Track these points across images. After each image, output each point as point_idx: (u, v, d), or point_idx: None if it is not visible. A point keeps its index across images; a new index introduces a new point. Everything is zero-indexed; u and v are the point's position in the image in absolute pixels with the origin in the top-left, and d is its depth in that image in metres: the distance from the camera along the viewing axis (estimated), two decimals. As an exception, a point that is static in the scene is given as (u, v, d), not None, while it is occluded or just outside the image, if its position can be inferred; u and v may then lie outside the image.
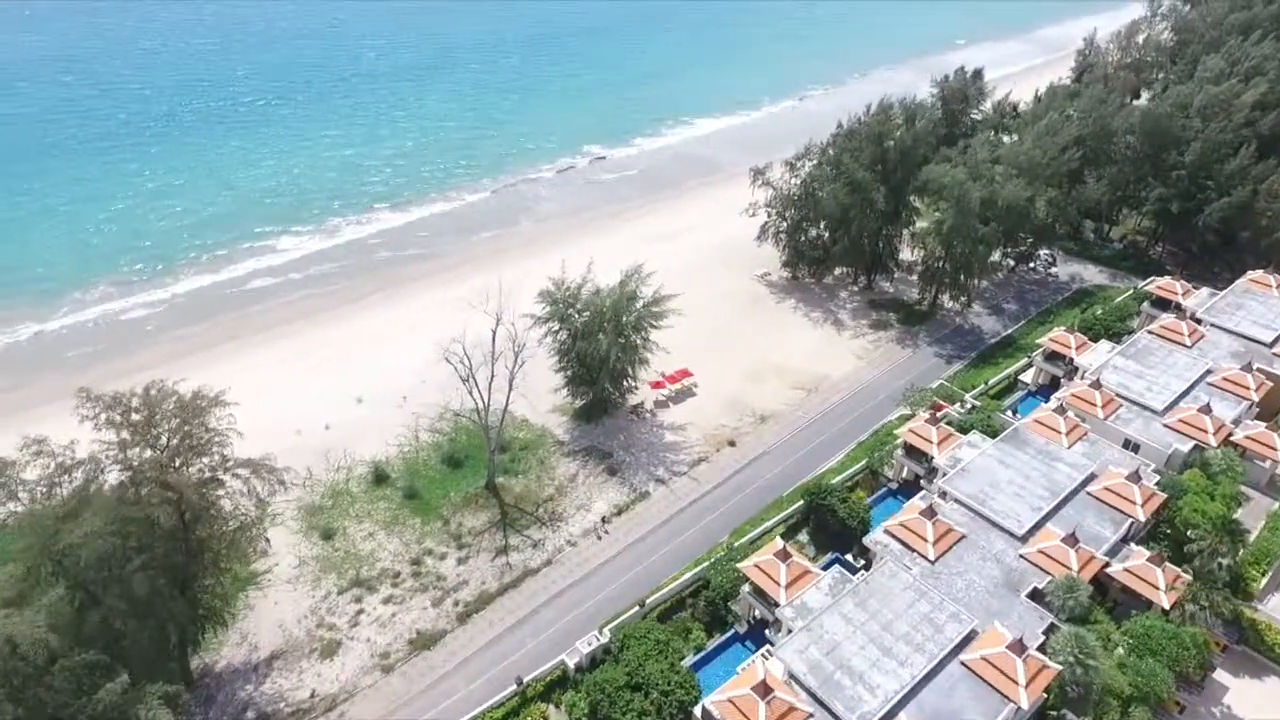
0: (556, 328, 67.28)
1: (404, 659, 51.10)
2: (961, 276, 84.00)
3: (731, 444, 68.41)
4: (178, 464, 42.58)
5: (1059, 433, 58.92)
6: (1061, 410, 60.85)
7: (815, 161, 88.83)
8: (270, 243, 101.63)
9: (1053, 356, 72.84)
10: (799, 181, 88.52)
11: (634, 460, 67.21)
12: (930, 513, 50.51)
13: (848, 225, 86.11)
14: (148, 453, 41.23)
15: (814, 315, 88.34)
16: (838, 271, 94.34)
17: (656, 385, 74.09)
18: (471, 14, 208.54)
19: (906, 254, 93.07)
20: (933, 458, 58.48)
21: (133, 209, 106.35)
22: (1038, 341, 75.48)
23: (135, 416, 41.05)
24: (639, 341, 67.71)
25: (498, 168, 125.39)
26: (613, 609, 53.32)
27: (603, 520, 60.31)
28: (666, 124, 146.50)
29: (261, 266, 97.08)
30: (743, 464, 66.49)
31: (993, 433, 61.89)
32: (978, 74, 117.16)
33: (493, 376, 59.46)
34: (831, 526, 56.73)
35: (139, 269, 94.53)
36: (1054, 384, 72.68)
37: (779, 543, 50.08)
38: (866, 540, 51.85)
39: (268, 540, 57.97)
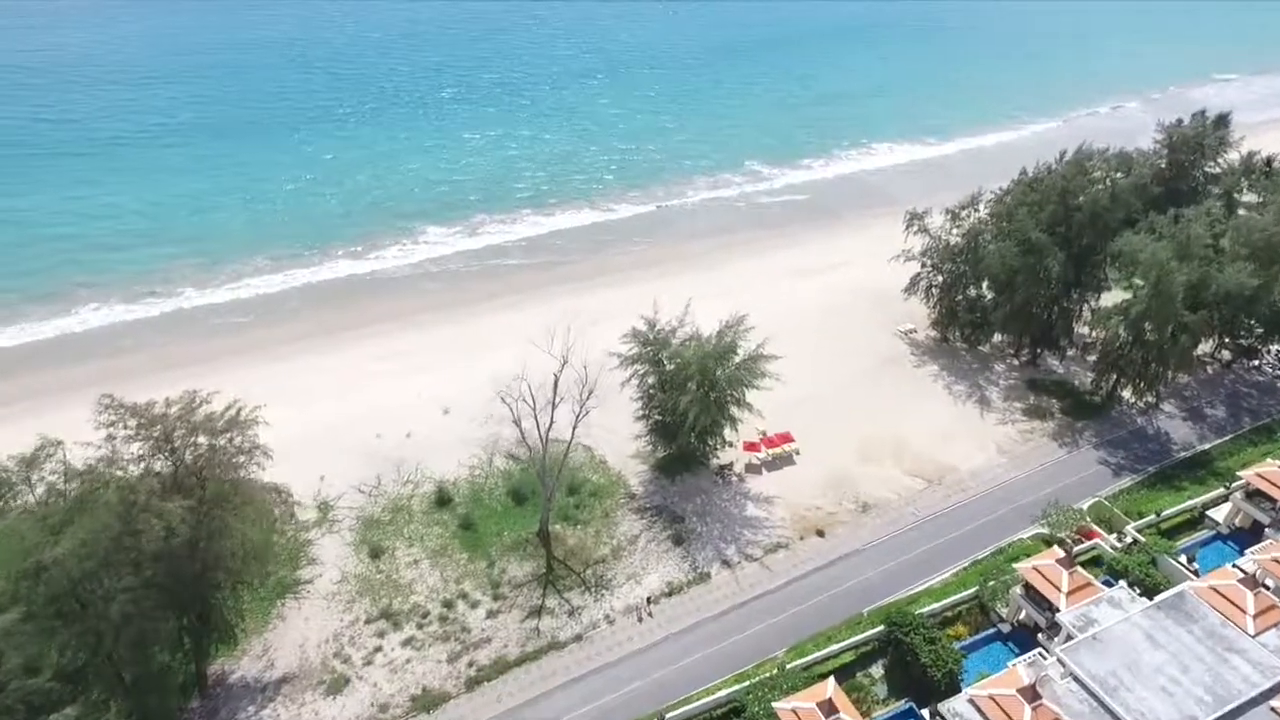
0: (643, 370, 61.33)
1: (399, 718, 47.65)
2: (1153, 367, 68.79)
3: (820, 534, 59.39)
4: (195, 480, 40.99)
5: (1244, 611, 45.09)
6: (1254, 582, 46.65)
7: (984, 211, 76.45)
8: (415, 237, 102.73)
9: (1259, 495, 57.16)
10: (961, 232, 76.51)
11: (705, 531, 60.05)
12: (1033, 694, 39.62)
13: (1014, 290, 73.23)
14: (159, 467, 39.69)
15: (957, 388, 76.19)
16: (996, 339, 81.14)
17: (751, 447, 66.27)
18: (666, 20, 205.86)
19: (1085, 329, 78.39)
20: (1057, 609, 46.82)
21: (305, 190, 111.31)
22: (1240, 473, 59.78)
23: (154, 430, 39.62)
24: (732, 399, 60.27)
25: (652, 179, 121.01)
26: (627, 713, 46.92)
27: (649, 600, 53.86)
28: (842, 147, 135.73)
29: (402, 260, 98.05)
30: (827, 560, 57.34)
31: (1149, 589, 48.89)
32: (1221, 120, 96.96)
33: (551, 423, 54.54)
34: (912, 668, 46.91)
35: (295, 249, 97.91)
36: (1255, 532, 57.05)
37: (829, 686, 41.42)
38: (944, 708, 41.78)
39: (312, 559, 57.73)
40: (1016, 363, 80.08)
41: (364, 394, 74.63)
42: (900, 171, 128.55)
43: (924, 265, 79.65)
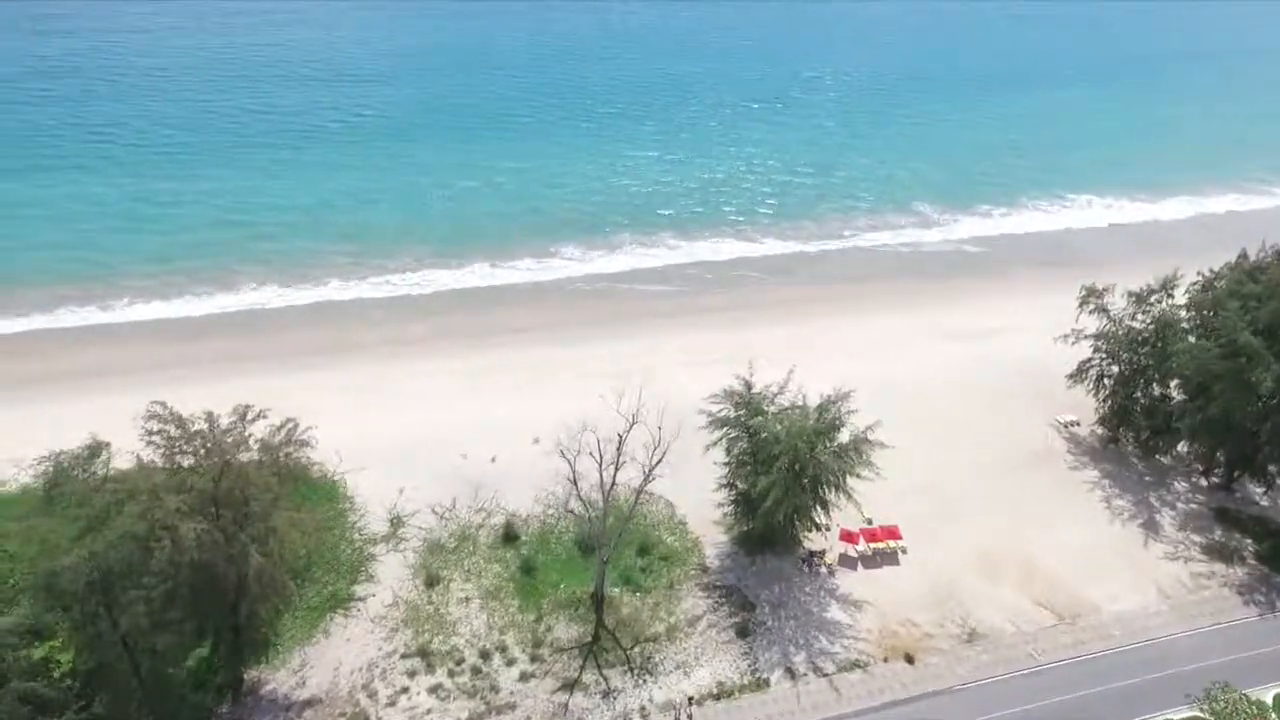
0: (734, 434, 55.39)
1: (401, 776, 45.07)
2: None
3: (909, 659, 50.75)
4: (228, 499, 40.23)
5: None
6: None
7: (1181, 298, 63.46)
8: (554, 251, 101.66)
9: None
10: (1149, 319, 63.87)
11: (776, 627, 53.14)
12: None
13: (1209, 396, 59.96)
14: (194, 482, 39.06)
15: (1119, 504, 63.70)
16: (1181, 448, 67.32)
17: (848, 537, 58.33)
18: (871, 48, 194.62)
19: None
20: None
21: (464, 194, 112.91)
22: None
23: (201, 447, 39.06)
24: (830, 483, 52.98)
25: (807, 214, 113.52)
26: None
27: (691, 701, 47.93)
28: (1031, 196, 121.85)
29: (534, 274, 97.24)
30: (910, 694, 48.70)
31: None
32: None
33: (613, 484, 49.88)
34: None
35: (440, 251, 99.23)
36: None
37: None
38: None
39: (371, 575, 56.86)
40: (1204, 483, 66.01)
41: (462, 408, 73.80)
42: (1098, 232, 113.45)
43: (1097, 350, 67.52)
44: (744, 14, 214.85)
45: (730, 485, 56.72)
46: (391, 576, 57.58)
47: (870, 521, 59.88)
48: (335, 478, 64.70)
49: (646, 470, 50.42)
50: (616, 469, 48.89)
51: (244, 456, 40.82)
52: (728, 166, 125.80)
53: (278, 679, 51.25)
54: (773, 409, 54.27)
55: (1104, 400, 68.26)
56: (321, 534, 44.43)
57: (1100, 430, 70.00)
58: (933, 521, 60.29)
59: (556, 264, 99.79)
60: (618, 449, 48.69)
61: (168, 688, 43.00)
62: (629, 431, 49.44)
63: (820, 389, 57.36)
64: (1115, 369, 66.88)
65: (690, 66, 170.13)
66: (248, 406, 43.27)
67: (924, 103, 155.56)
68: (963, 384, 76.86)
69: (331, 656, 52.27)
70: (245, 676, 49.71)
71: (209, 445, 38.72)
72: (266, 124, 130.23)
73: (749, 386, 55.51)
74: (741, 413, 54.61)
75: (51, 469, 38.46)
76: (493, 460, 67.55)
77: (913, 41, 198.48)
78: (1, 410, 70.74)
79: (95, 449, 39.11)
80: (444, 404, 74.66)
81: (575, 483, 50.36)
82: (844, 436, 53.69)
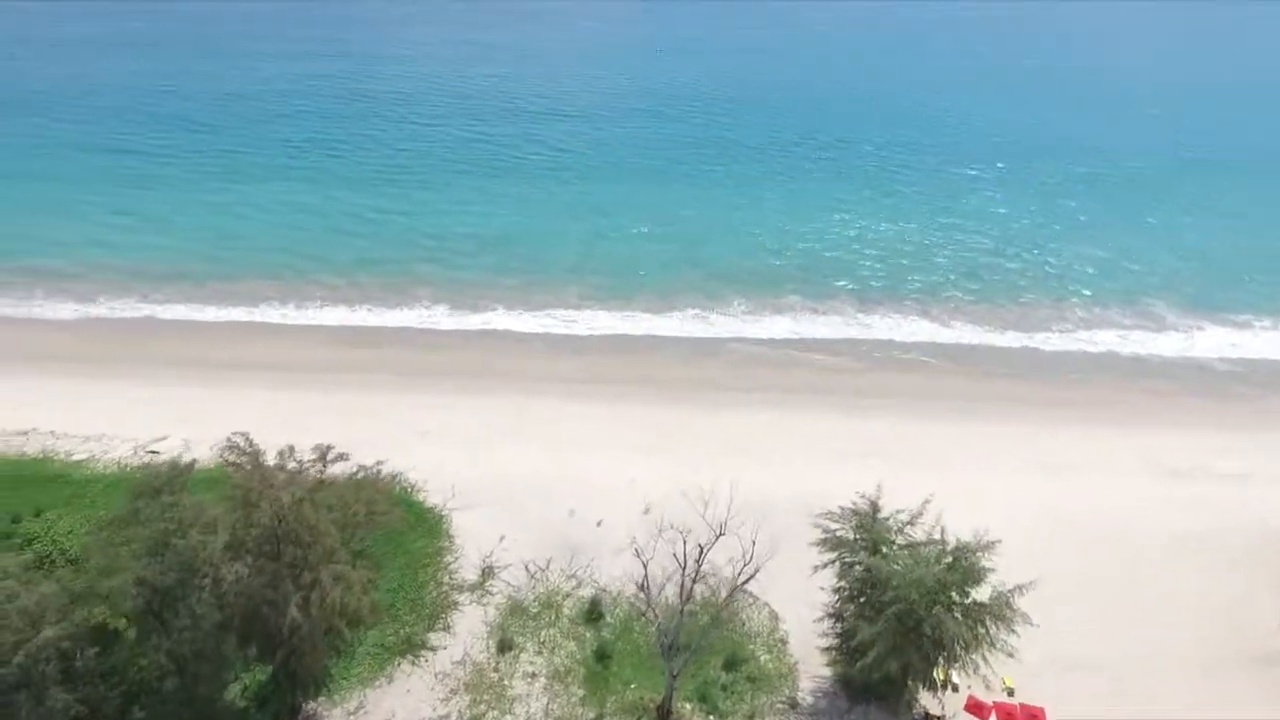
0: (849, 560, 47.74)
1: None
2: None
3: None
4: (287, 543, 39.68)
5: None
6: None
7: None
8: (717, 305, 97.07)
9: None
10: None
11: (861, 801, 44.69)
12: None
13: None
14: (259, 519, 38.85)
15: (1373, 750, 47.82)
16: None
17: (976, 708, 48.06)
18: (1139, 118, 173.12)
19: None
20: None
21: (647, 236, 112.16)
22: None
23: (266, 485, 38.84)
24: (959, 642, 43.84)
25: (1011, 297, 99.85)
26: None
27: None
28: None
29: (688, 329, 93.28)
30: None
31: None
32: None
33: (687, 599, 44.19)
34: None
35: (604, 292, 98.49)
36: None
37: None
38: None
39: (449, 625, 55.16)
40: None
41: (587, 460, 70.92)
42: None
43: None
44: (994, 75, 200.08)
45: (836, 617, 48.94)
46: (467, 631, 55.57)
47: (1011, 693, 49.35)
48: (443, 512, 64.72)
49: (735, 580, 44.53)
50: (694, 580, 43.36)
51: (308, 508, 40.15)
52: (926, 235, 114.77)
53: (333, 716, 50.81)
54: (899, 541, 46.06)
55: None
56: (371, 594, 42.33)
57: (1361, 635, 53.61)
58: (1089, 710, 48.47)
59: (719, 320, 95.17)
60: (698, 559, 43.12)
61: (218, 710, 43.28)
62: (712, 545, 43.71)
63: (971, 518, 48.26)
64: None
65: (911, 131, 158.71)
66: (329, 447, 42.91)
67: (1193, 185, 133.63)
68: (1173, 537, 62.55)
69: (388, 705, 50.88)
70: (303, 708, 49.79)
71: (273, 484, 38.19)
72: (476, 153, 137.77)
73: (875, 509, 47.61)
74: (861, 537, 46.89)
75: (139, 483, 40.05)
76: (598, 524, 64.04)
77: (1192, 112, 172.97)
78: (185, 389, 78.63)
79: (178, 470, 40.17)
80: (571, 451, 72.29)
81: (646, 590, 45.36)
82: (983, 592, 44.30)
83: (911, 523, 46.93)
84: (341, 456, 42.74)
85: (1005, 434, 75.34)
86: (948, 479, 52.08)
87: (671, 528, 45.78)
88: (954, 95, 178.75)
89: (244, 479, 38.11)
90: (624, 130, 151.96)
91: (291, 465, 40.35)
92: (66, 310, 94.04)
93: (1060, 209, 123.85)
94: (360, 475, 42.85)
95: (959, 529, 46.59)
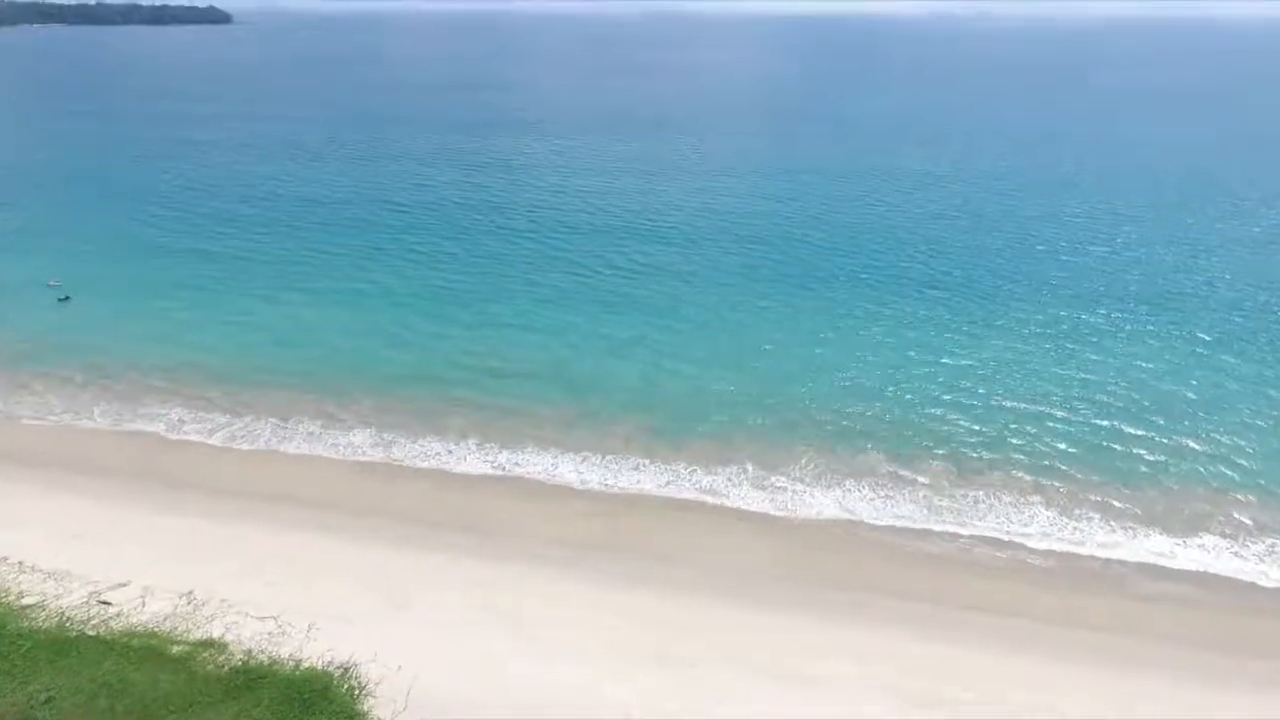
0: None
1: None
2: None
3: None
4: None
5: None
6: None
7: None
8: (790, 468, 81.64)
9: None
10: None
11: None
12: None
13: None
14: None
15: None
16: None
17: None
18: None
19: None
20: None
21: (723, 369, 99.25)
22: None
23: None
24: None
25: (1144, 483, 79.01)
26: None
27: None
28: None
29: (764, 504, 77.14)
30: None
31: None
32: None
33: None
34: None
35: (670, 442, 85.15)
36: None
37: None
38: None
39: None
40: None
41: (576, 673, 57.28)
42: None
43: None
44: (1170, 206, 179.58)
45: None
46: None
47: None
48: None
49: None
50: None
51: None
52: (1033, 387, 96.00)
53: None
54: None
55: None
56: None
57: None
58: None
59: (782, 485, 79.98)
60: None
61: None
62: None
63: None
64: None
65: (1042, 266, 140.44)
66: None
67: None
68: None
69: None
70: None
71: None
72: (550, 267, 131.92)
73: None
74: None
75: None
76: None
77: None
78: (168, 518, 71.45)
79: None
80: (563, 656, 58.95)
81: None
82: None
83: None
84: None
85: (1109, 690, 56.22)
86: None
87: None
88: (1095, 227, 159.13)
89: None
90: (739, 256, 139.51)
91: None
92: (57, 416, 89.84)
93: (1217, 366, 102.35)
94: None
95: None
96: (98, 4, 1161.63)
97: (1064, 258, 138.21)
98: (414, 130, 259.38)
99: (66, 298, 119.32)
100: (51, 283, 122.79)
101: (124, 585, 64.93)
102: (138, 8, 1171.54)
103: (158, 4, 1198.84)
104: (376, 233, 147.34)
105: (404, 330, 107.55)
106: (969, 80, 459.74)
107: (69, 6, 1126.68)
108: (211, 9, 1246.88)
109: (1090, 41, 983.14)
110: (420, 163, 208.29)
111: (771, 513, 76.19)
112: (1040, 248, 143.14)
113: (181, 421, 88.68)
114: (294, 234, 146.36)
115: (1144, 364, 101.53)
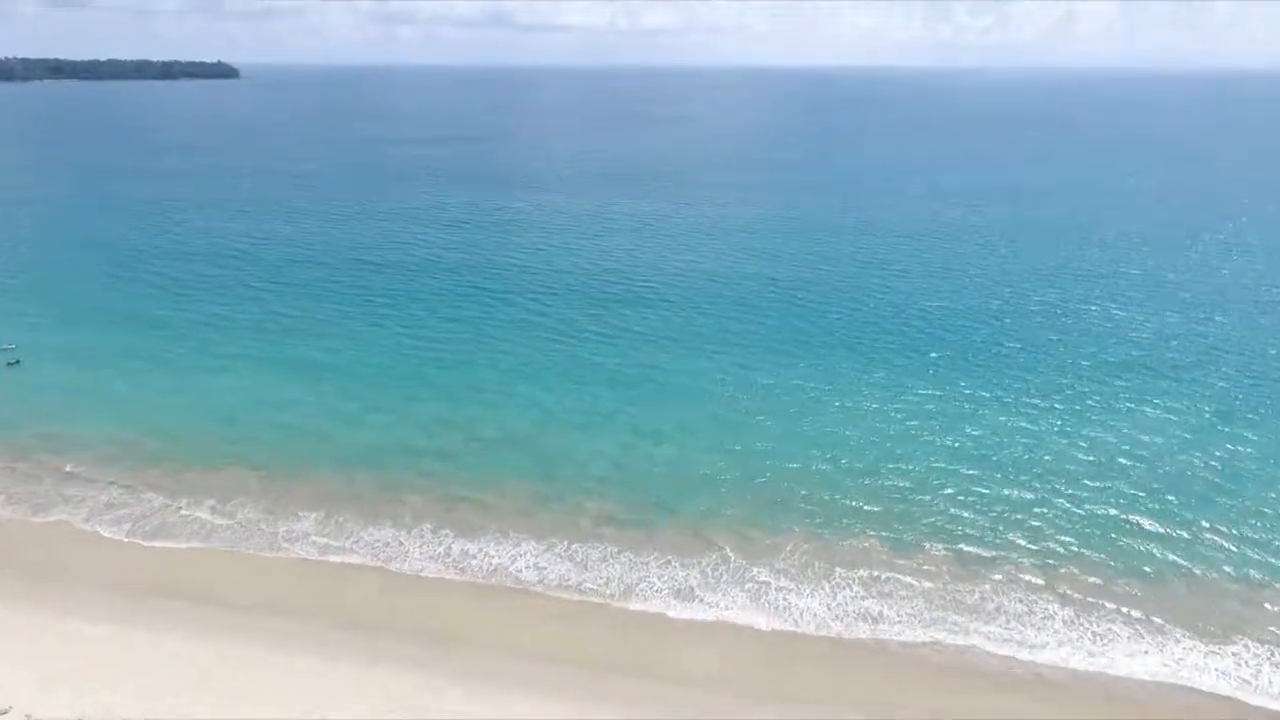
0: None
1: None
2: None
3: None
4: None
5: None
6: None
7: None
8: (821, 578, 72.41)
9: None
10: None
11: None
12: None
13: None
14: None
15: None
16: None
17: None
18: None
19: None
20: None
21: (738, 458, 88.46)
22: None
23: None
24: None
25: (1185, 598, 71.18)
26: None
27: None
28: None
29: (773, 621, 68.89)
30: None
31: None
32: None
33: None
34: None
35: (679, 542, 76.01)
36: None
37: None
38: None
39: None
40: None
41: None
42: None
43: None
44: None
45: None
46: None
47: None
48: None
49: None
50: None
51: None
52: (1041, 482, 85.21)
53: None
54: None
55: None
56: None
57: None
58: None
59: (763, 577, 71.97)
60: None
61: None
62: None
63: None
64: None
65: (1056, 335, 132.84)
66: None
67: None
68: None
69: None
70: None
71: None
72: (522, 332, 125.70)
73: None
74: None
75: None
76: None
77: None
78: (67, 623, 63.75)
79: None
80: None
81: None
82: None
83: None
84: None
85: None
86: None
87: None
88: (1093, 287, 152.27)
89: None
90: (699, 316, 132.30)
91: None
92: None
93: (1238, 440, 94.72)
94: None
95: None
96: (109, 60, 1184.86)
97: (1064, 319, 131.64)
98: (400, 185, 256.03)
99: (17, 361, 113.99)
100: (4, 345, 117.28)
101: (5, 713, 57.30)
102: (149, 63, 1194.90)
103: (167, 60, 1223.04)
104: (344, 296, 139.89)
105: (359, 404, 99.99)
106: (967, 131, 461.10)
107: (81, 63, 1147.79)
108: (219, 64, 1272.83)
109: (1084, 90, 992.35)
110: (401, 219, 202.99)
111: (740, 621, 67.90)
112: (1036, 311, 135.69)
113: (110, 505, 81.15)
114: (258, 299, 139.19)
115: (1157, 439, 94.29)
